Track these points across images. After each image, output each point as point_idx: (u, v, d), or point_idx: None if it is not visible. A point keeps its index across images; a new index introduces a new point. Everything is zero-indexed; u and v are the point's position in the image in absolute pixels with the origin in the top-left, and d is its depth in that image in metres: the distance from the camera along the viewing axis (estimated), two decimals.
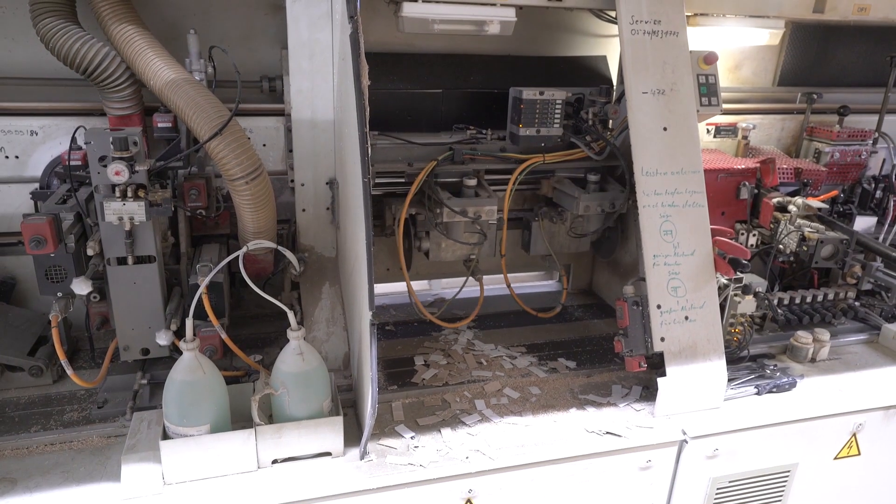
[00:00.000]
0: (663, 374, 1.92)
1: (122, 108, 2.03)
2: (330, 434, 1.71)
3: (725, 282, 2.06)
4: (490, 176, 2.33)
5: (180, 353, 1.93)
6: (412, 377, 2.11)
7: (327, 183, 2.19)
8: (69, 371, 1.75)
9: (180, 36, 2.09)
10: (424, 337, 2.37)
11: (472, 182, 2.21)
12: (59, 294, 1.78)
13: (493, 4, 2.09)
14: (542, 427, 1.89)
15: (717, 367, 1.95)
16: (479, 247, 2.30)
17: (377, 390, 1.58)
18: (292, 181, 2.29)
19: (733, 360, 2.12)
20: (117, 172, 1.64)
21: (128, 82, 1.99)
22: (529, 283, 2.95)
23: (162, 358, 1.97)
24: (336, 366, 2.07)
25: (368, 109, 1.62)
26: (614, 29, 2.63)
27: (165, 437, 1.62)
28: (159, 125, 2.06)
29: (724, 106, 2.25)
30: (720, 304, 2.01)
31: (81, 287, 1.70)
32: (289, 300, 2.15)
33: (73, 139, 2.01)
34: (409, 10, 2.02)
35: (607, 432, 1.86)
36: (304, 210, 2.21)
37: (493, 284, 2.84)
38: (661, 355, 1.93)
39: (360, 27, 1.62)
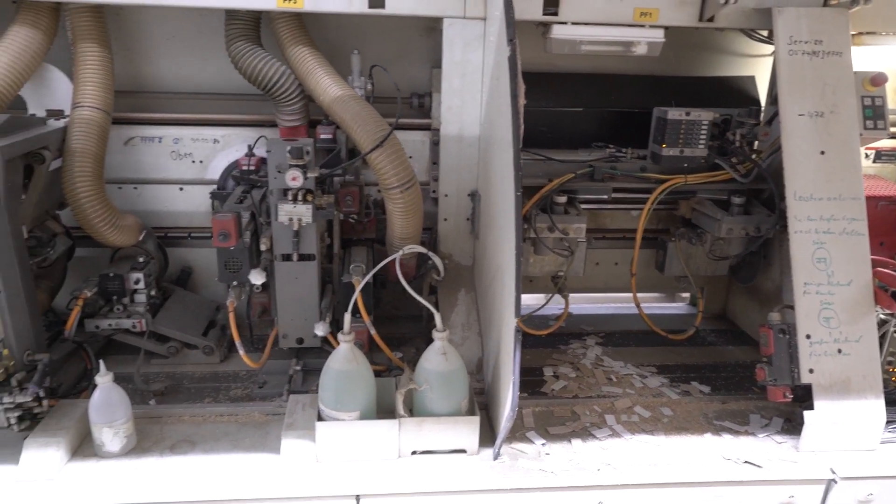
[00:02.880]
0: (810, 407, 1.84)
1: (292, 119, 2.26)
2: (467, 432, 1.79)
3: (885, 316, 1.94)
4: (626, 194, 2.35)
5: (329, 344, 2.11)
6: (541, 387, 2.16)
7: (469, 195, 2.30)
8: (241, 352, 1.97)
9: (343, 55, 2.29)
10: (552, 349, 2.42)
11: (563, 199, 2.23)
12: (234, 283, 2.01)
13: (642, 26, 2.12)
14: (674, 448, 1.87)
15: (874, 406, 1.84)
16: (569, 264, 2.30)
17: (518, 394, 1.64)
18: (434, 192, 2.43)
19: (893, 401, 1.98)
20: (294, 178, 1.83)
21: (299, 97, 2.22)
22: (654, 303, 2.91)
23: (313, 348, 2.16)
24: (469, 370, 2.16)
25: (523, 127, 1.70)
26: (764, 48, 2.58)
27: (320, 419, 1.78)
28: (322, 136, 2.27)
29: (893, 129, 2.13)
30: (879, 340, 1.89)
31: (257, 277, 1.92)
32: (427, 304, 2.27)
33: (249, 147, 2.28)
34: (557, 32, 2.10)
35: (746, 461, 1.81)
36: (445, 220, 2.33)
37: (621, 303, 2.84)
38: (807, 388, 1.85)
39: (518, 50, 1.71)
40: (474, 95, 2.21)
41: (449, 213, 2.33)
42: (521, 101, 1.71)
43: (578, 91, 2.52)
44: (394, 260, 1.88)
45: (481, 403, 2.03)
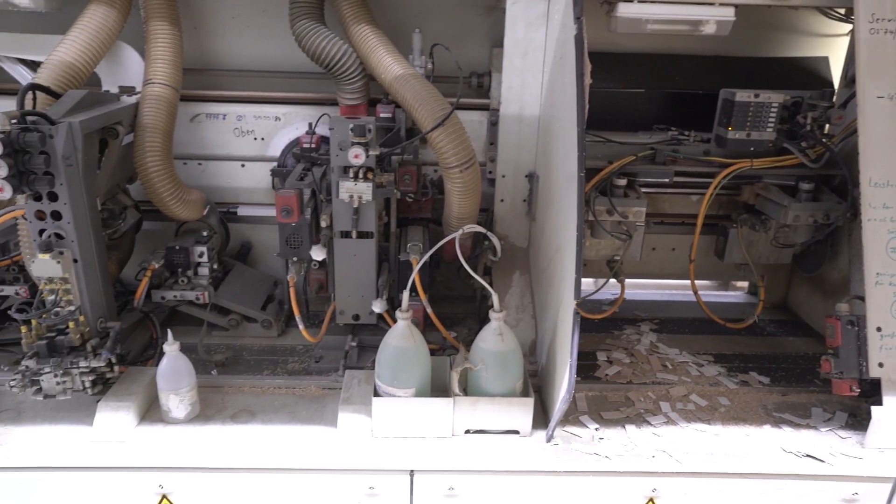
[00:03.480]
0: (878, 402, 1.78)
1: (352, 98, 2.27)
2: (520, 413, 1.80)
3: None
4: (688, 178, 2.29)
5: (385, 322, 2.14)
6: (595, 371, 2.15)
7: (527, 176, 2.28)
8: (301, 327, 2.01)
9: (403, 34, 2.29)
10: (606, 334, 2.39)
11: (622, 182, 2.19)
12: (295, 259, 2.05)
13: (712, 4, 2.04)
14: (732, 438, 1.83)
15: None
16: (625, 249, 2.26)
17: (575, 377, 1.64)
18: (490, 172, 2.42)
19: None
20: (356, 156, 1.85)
21: (360, 75, 2.22)
22: (710, 291, 2.85)
23: (368, 325, 2.19)
24: (522, 352, 2.15)
25: (588, 107, 1.67)
26: (840, 27, 2.46)
27: (376, 394, 1.81)
28: (381, 115, 2.27)
29: None
30: None
31: (318, 254, 1.95)
32: (480, 285, 2.27)
33: (310, 125, 2.31)
34: (623, 10, 2.05)
35: (807, 455, 1.76)
36: (502, 200, 2.32)
37: (676, 290, 2.79)
38: (875, 382, 1.79)
39: (585, 28, 1.68)
40: (535, 75, 2.18)
41: (506, 194, 2.32)
42: (588, 80, 1.68)
43: (640, 71, 2.46)
44: (451, 240, 1.88)
45: (534, 385, 2.03)
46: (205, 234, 2.26)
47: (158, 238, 2.45)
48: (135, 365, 2.01)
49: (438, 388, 1.89)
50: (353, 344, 2.15)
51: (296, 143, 2.40)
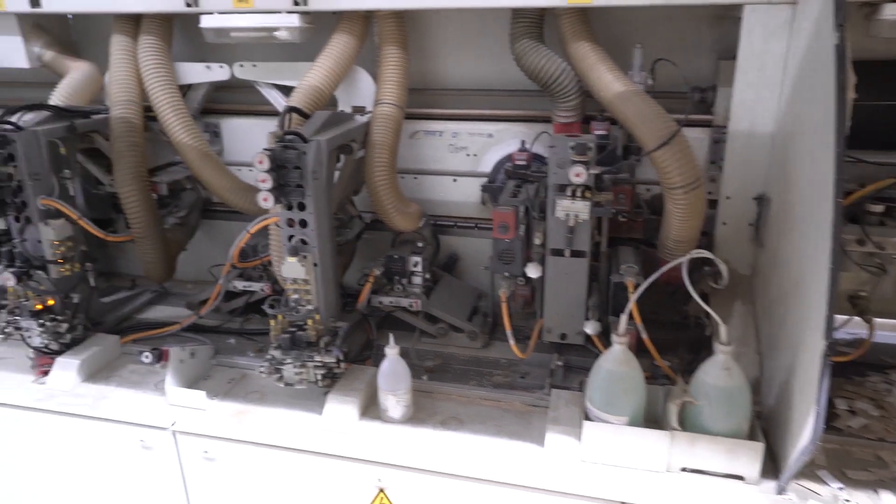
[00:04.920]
0: None
1: (567, 116, 2.26)
2: (747, 458, 1.64)
3: None
4: None
5: (592, 344, 2.09)
6: (833, 421, 1.89)
7: (755, 198, 2.10)
8: (511, 342, 2.04)
9: (622, 49, 2.22)
10: (844, 379, 2.10)
11: (878, 208, 1.89)
12: (507, 274, 2.09)
13: None
14: None
15: None
16: (875, 284, 1.95)
17: (822, 427, 1.45)
18: (710, 193, 2.25)
19: None
20: (577, 174, 1.83)
21: (576, 93, 2.21)
22: None
23: (573, 345, 2.15)
24: None
25: (848, 125, 1.49)
26: None
27: (587, 418, 1.76)
28: (596, 132, 2.23)
29: None
30: None
31: (533, 271, 1.96)
32: (696, 312, 2.13)
33: (522, 142, 2.34)
34: (891, 11, 1.81)
35: None
36: (724, 224, 2.16)
37: None
38: None
39: (847, 37, 1.49)
40: (772, 89, 1.99)
41: (729, 217, 2.14)
42: (850, 95, 1.50)
43: None
44: (673, 264, 1.78)
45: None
46: (420, 244, 2.38)
47: (374, 246, 2.65)
48: (354, 363, 2.18)
49: (648, 419, 1.80)
50: (559, 363, 2.12)
51: (507, 159, 2.44)
